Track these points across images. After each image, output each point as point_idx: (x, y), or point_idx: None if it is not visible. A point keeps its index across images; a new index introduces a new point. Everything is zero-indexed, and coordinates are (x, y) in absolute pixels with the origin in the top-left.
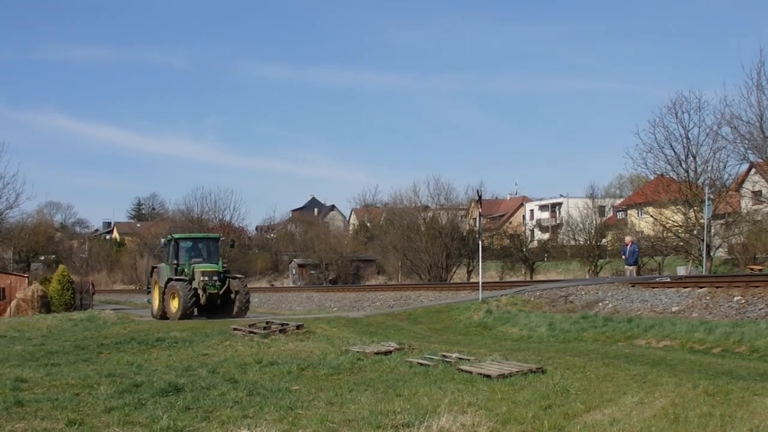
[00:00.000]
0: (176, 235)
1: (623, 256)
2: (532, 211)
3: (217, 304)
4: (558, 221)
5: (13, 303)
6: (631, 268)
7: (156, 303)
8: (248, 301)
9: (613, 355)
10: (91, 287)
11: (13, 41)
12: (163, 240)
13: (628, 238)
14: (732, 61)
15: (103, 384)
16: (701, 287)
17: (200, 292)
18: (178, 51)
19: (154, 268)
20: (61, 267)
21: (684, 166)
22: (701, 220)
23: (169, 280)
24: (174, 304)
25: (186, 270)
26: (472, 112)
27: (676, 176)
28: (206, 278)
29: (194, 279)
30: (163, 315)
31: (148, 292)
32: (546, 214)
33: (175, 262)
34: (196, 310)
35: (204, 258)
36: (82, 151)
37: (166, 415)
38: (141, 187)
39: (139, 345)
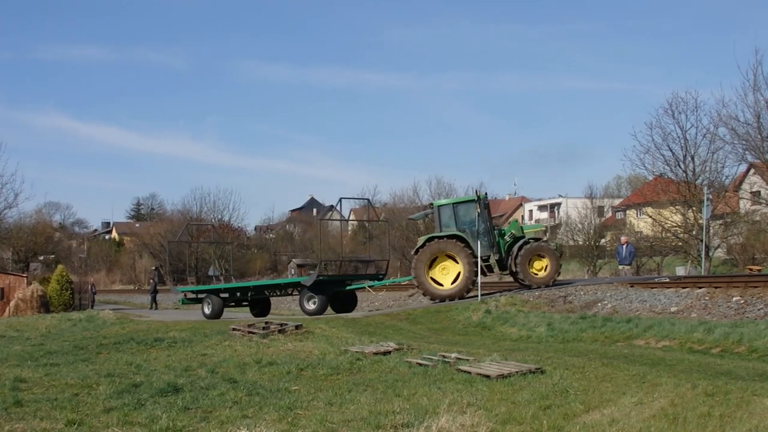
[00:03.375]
0: (482, 195)
1: (617, 258)
2: (531, 211)
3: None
4: (557, 221)
5: (12, 303)
6: (626, 268)
7: (444, 283)
8: None
9: (612, 356)
10: (91, 288)
11: (12, 41)
12: (463, 199)
13: (623, 238)
14: (727, 61)
15: (102, 384)
16: (700, 287)
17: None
18: (177, 51)
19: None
20: (60, 267)
21: (682, 166)
22: (700, 221)
23: (527, 241)
24: (539, 267)
25: (515, 232)
26: (472, 112)
27: (674, 177)
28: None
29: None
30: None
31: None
32: (545, 215)
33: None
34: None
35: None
36: (81, 151)
37: (165, 415)
38: (140, 187)
39: (138, 345)
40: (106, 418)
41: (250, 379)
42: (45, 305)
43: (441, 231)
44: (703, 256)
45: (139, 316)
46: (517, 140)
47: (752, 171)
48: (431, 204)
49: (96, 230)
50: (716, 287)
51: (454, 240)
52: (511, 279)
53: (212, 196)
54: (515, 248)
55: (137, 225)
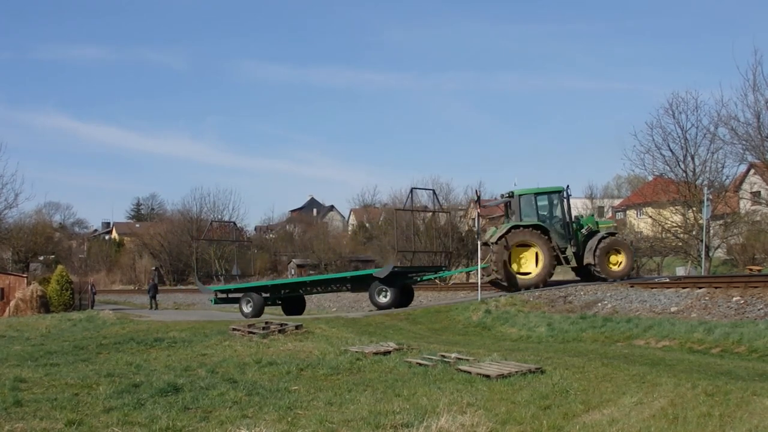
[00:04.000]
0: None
1: None
2: None
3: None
4: None
5: (12, 303)
6: None
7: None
8: None
9: (612, 356)
10: (91, 288)
11: (12, 41)
12: (544, 190)
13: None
14: (727, 61)
15: (102, 384)
16: (700, 287)
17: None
18: (177, 51)
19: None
20: (60, 267)
21: (682, 166)
22: (700, 221)
23: (605, 235)
24: (614, 261)
25: (591, 225)
26: (472, 112)
27: (674, 177)
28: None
29: (596, 236)
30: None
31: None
32: None
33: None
34: None
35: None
36: (81, 151)
37: (165, 415)
38: (140, 187)
39: (138, 345)
40: (106, 418)
41: (250, 379)
42: (45, 305)
43: (521, 220)
44: (703, 256)
45: (139, 316)
46: (517, 140)
47: (752, 171)
48: (511, 193)
49: (96, 230)
50: (716, 287)
51: (535, 230)
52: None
53: (212, 196)
54: (593, 241)
55: (137, 225)
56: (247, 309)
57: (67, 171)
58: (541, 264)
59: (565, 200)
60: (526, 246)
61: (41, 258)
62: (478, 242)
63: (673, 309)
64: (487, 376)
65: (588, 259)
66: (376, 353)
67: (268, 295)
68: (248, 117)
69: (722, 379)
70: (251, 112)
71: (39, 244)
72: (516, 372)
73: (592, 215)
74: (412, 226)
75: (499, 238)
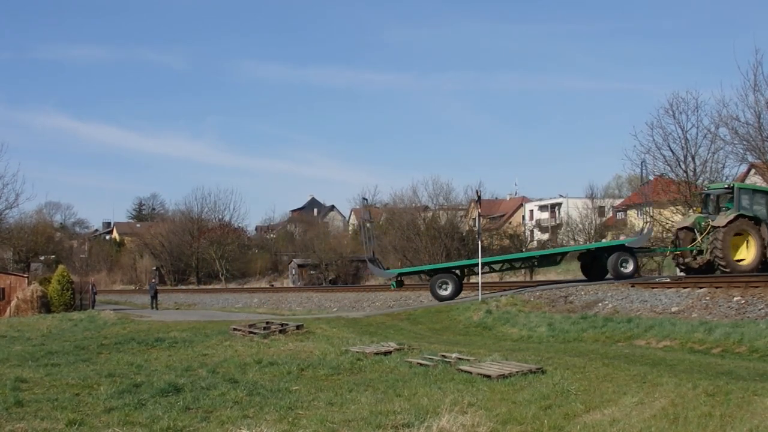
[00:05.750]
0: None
1: None
2: (531, 211)
3: None
4: (557, 221)
5: (13, 303)
6: None
7: (750, 255)
8: None
9: (612, 356)
10: (92, 288)
11: (12, 41)
12: (761, 188)
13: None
14: (727, 61)
15: (103, 384)
16: (701, 287)
17: None
18: (177, 51)
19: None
20: (61, 267)
21: (683, 166)
22: None
23: None
24: None
25: None
26: (472, 112)
27: (675, 177)
28: None
29: None
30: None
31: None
32: (546, 215)
33: None
34: None
35: None
36: (82, 151)
37: (166, 415)
38: (141, 187)
39: (139, 345)
40: (107, 418)
41: (251, 379)
42: (46, 305)
43: (739, 211)
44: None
45: (140, 316)
46: (517, 140)
47: (753, 171)
48: (731, 185)
49: (97, 230)
50: (717, 287)
51: (755, 222)
52: (512, 279)
53: (213, 196)
54: None
55: (138, 225)
56: (444, 292)
57: (67, 171)
58: (753, 253)
59: None
60: (739, 235)
61: (42, 258)
62: (479, 242)
63: (673, 309)
64: (488, 377)
65: None
66: (377, 353)
67: (459, 273)
68: (248, 117)
69: (723, 379)
70: (251, 112)
71: (40, 244)
72: (517, 372)
73: None
74: (413, 226)
75: (727, 224)
